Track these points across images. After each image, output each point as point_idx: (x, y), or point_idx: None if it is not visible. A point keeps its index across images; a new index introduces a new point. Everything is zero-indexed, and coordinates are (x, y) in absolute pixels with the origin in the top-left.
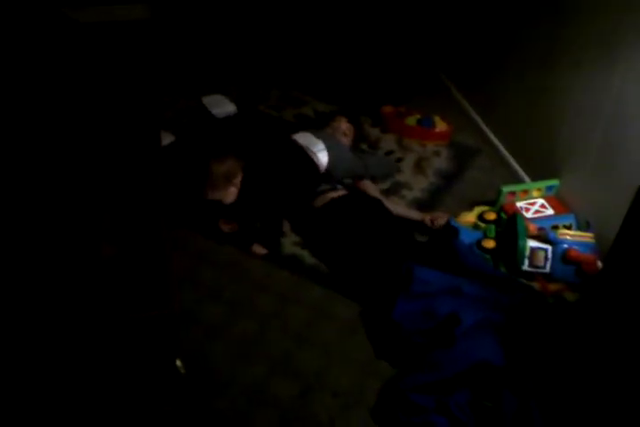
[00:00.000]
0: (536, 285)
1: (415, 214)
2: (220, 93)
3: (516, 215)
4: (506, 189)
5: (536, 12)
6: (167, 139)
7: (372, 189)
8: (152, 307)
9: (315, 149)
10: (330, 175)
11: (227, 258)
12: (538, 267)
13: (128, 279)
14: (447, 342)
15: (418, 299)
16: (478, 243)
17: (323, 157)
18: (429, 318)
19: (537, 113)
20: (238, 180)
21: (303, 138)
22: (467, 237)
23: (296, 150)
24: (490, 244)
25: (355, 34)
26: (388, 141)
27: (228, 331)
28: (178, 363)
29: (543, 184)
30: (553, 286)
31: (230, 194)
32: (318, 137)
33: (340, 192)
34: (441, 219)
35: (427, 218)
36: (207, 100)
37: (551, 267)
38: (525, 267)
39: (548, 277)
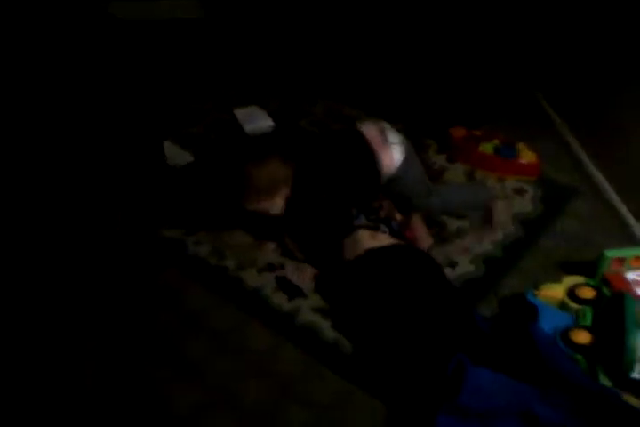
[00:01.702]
0: None
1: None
2: (256, 105)
3: (623, 295)
4: (611, 253)
5: None
6: (183, 158)
7: (421, 231)
8: None
9: (390, 140)
10: (386, 188)
11: (224, 323)
12: None
13: None
14: None
15: (467, 417)
16: (565, 334)
17: (396, 154)
18: None
19: None
20: (287, 189)
21: (375, 126)
22: (549, 322)
23: (360, 145)
24: (583, 337)
25: (425, 40)
26: (456, 173)
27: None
28: None
29: None
30: None
31: (275, 205)
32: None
33: (381, 238)
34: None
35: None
36: (240, 114)
37: None
38: (636, 374)
39: None
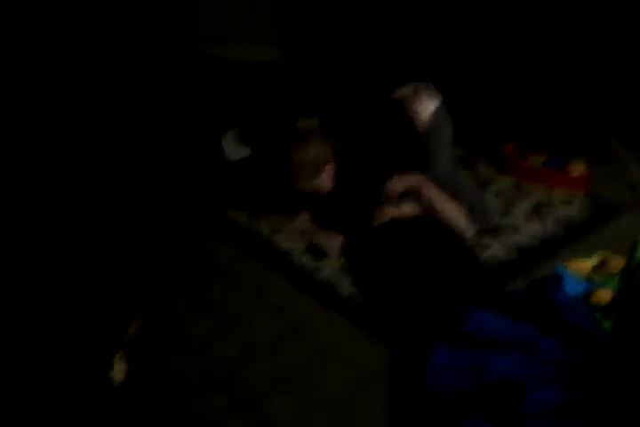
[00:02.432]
0: None
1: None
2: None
3: None
4: None
5: None
6: (241, 154)
7: (438, 198)
8: None
9: (424, 93)
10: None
11: (247, 275)
12: None
13: None
14: (500, 419)
15: (466, 348)
16: (586, 297)
17: (429, 103)
18: (476, 376)
19: None
20: (331, 164)
21: (409, 86)
22: (572, 289)
23: (394, 106)
24: (603, 296)
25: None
26: (503, 184)
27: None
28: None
29: None
30: None
31: (324, 183)
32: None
33: (406, 209)
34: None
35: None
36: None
37: None
38: None
39: None
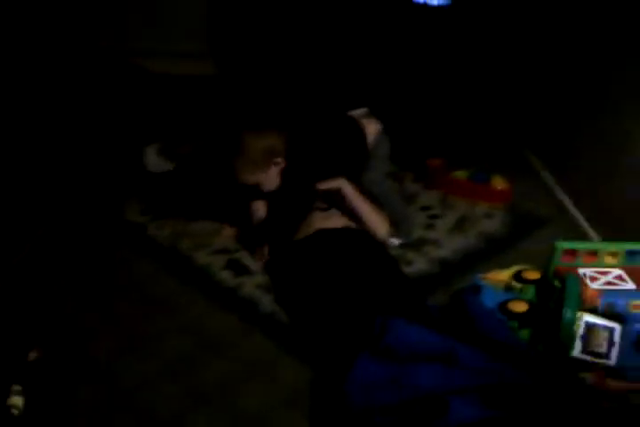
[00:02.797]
0: (589, 378)
1: None
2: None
3: (567, 274)
4: (562, 244)
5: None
6: (163, 168)
7: (356, 197)
8: None
9: (373, 118)
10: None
11: (163, 291)
12: (596, 354)
13: None
14: None
15: (388, 361)
16: (503, 305)
17: (377, 124)
18: (398, 391)
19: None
20: (282, 159)
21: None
22: (490, 299)
23: (348, 120)
24: (519, 306)
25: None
26: (429, 198)
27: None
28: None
29: (622, 246)
30: (615, 384)
31: (272, 177)
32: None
33: (335, 221)
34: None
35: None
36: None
37: (618, 356)
38: (577, 353)
39: (610, 371)
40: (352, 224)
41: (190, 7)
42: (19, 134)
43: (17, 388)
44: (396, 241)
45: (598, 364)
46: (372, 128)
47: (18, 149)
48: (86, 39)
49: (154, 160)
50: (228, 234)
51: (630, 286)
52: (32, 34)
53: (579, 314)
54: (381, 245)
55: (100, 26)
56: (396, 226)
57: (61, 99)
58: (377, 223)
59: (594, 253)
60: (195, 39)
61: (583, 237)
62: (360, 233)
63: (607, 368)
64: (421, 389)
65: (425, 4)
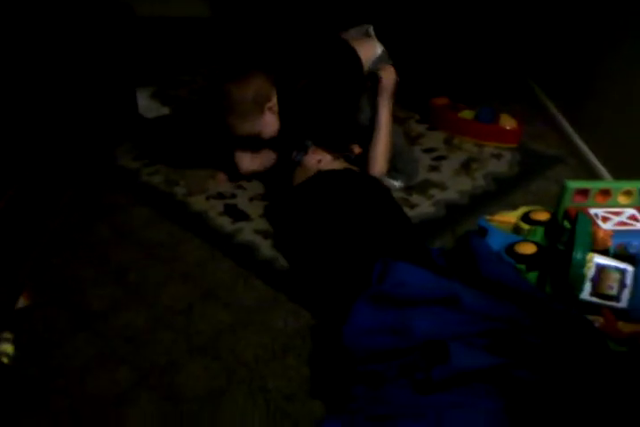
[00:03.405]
0: (598, 321)
1: None
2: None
3: (577, 214)
4: (574, 184)
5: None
6: (158, 112)
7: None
8: None
9: (372, 39)
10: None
11: (159, 237)
12: (606, 297)
13: None
14: (420, 383)
15: (386, 306)
16: (510, 247)
17: (377, 47)
18: (397, 336)
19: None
20: (274, 102)
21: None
22: (497, 241)
23: (342, 44)
24: (527, 248)
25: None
26: (433, 139)
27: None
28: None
29: (637, 185)
30: (627, 327)
31: (269, 123)
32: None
33: (330, 160)
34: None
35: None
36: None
37: (630, 298)
38: (585, 295)
39: (621, 314)
40: (352, 167)
41: None
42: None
43: (7, 335)
44: (398, 184)
45: (609, 307)
46: (369, 49)
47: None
48: None
49: (147, 104)
50: (222, 178)
51: None
52: None
53: (589, 255)
54: (384, 188)
55: None
56: (401, 168)
57: (46, 39)
58: (382, 157)
59: (607, 193)
60: None
61: (596, 176)
62: (361, 175)
63: (617, 311)
64: (420, 334)
65: None
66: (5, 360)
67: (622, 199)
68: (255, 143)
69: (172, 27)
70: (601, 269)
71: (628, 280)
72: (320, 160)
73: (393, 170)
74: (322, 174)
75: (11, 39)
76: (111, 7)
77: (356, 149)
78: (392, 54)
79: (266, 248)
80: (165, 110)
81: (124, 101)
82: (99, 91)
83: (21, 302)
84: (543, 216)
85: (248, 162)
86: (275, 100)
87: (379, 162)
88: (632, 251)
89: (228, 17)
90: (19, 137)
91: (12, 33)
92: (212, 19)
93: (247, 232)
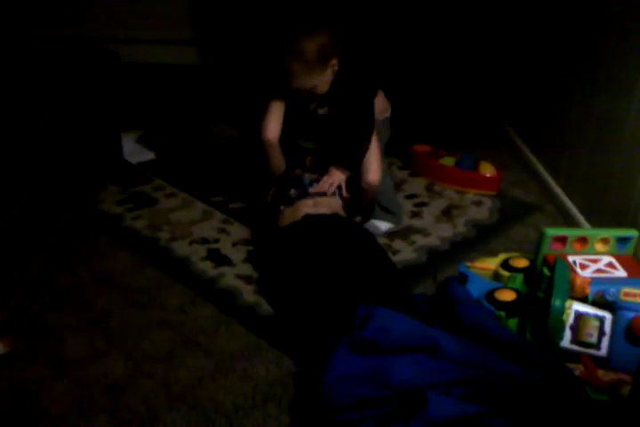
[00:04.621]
0: (579, 369)
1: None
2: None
3: (556, 261)
4: (552, 231)
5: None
6: (143, 156)
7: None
8: None
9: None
10: None
11: (139, 282)
12: (586, 345)
13: None
14: None
15: (367, 354)
16: (490, 294)
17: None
18: (377, 384)
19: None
20: (336, 61)
21: None
22: (477, 288)
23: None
24: (507, 295)
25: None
26: (415, 185)
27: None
28: None
29: (613, 233)
30: (607, 376)
31: (326, 81)
32: None
33: (323, 207)
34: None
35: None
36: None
37: (609, 346)
38: (565, 343)
39: (601, 362)
40: (340, 212)
41: None
42: None
43: None
44: (387, 225)
45: (588, 354)
46: (381, 105)
47: None
48: (64, 27)
49: (132, 148)
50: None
51: (621, 273)
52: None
53: (568, 303)
54: (369, 234)
55: (79, 14)
56: (388, 207)
57: (37, 86)
58: (375, 167)
59: (584, 240)
60: (177, 27)
61: (573, 223)
62: (348, 221)
63: (597, 359)
64: (400, 382)
65: None
66: None
67: (599, 247)
68: (298, 99)
69: (160, 73)
70: (580, 316)
71: (607, 328)
72: (315, 203)
73: (380, 209)
74: (309, 218)
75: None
76: (98, 55)
77: (346, 194)
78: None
79: (248, 294)
80: (150, 155)
81: (109, 146)
82: (84, 135)
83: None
84: (522, 263)
85: (275, 126)
86: (337, 63)
87: (373, 168)
88: (610, 298)
89: (216, 65)
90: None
91: (9, 80)
92: (200, 66)
93: (230, 277)
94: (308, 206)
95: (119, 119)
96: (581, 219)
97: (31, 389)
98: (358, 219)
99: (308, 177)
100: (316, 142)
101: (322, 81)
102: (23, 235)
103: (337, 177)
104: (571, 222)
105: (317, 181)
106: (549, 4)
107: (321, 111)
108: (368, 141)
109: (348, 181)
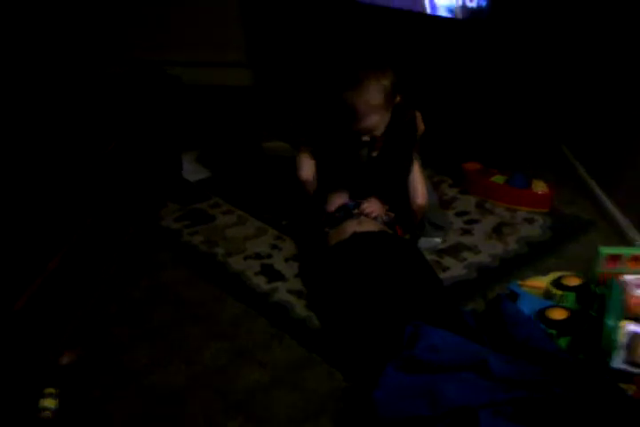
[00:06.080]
0: (631, 390)
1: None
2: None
3: (610, 280)
4: (606, 250)
5: None
6: (200, 174)
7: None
8: None
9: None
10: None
11: (196, 296)
12: None
13: None
14: None
15: (417, 372)
16: (541, 313)
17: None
18: (428, 402)
19: None
20: (399, 98)
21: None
22: (528, 306)
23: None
24: (558, 313)
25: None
26: (466, 203)
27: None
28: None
29: None
30: None
31: (386, 122)
32: None
33: (369, 225)
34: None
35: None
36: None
37: None
38: (618, 363)
39: None
40: (386, 229)
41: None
42: (55, 142)
43: (50, 391)
44: (437, 240)
45: None
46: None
47: (53, 158)
48: (123, 51)
49: (191, 167)
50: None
51: None
52: (69, 45)
53: (622, 322)
54: (418, 251)
55: (137, 37)
56: (437, 222)
57: (105, 109)
58: (421, 191)
59: (638, 259)
60: (231, 49)
61: (628, 242)
62: (395, 237)
63: None
64: (451, 401)
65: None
66: (49, 415)
67: None
68: (354, 145)
69: (217, 94)
70: (634, 336)
71: None
72: (360, 222)
73: (429, 226)
74: (357, 236)
75: (72, 109)
76: (162, 79)
77: (391, 214)
78: (425, 119)
79: (300, 308)
80: (207, 173)
81: (170, 165)
82: (148, 156)
83: (65, 359)
84: (575, 282)
85: (308, 167)
86: (400, 98)
87: (420, 192)
88: None
89: (268, 86)
90: (72, 199)
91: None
92: (253, 87)
93: (282, 292)
94: (354, 225)
95: (180, 139)
96: (637, 237)
97: (95, 397)
98: (407, 236)
99: (351, 201)
100: (357, 182)
101: (385, 121)
102: (92, 249)
103: (377, 207)
104: (625, 241)
105: (359, 205)
106: (618, 28)
107: (373, 154)
108: (407, 179)
109: (395, 203)
